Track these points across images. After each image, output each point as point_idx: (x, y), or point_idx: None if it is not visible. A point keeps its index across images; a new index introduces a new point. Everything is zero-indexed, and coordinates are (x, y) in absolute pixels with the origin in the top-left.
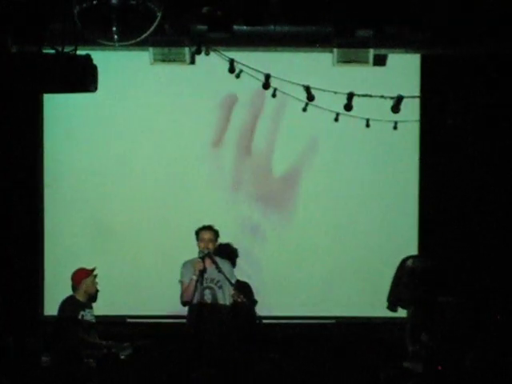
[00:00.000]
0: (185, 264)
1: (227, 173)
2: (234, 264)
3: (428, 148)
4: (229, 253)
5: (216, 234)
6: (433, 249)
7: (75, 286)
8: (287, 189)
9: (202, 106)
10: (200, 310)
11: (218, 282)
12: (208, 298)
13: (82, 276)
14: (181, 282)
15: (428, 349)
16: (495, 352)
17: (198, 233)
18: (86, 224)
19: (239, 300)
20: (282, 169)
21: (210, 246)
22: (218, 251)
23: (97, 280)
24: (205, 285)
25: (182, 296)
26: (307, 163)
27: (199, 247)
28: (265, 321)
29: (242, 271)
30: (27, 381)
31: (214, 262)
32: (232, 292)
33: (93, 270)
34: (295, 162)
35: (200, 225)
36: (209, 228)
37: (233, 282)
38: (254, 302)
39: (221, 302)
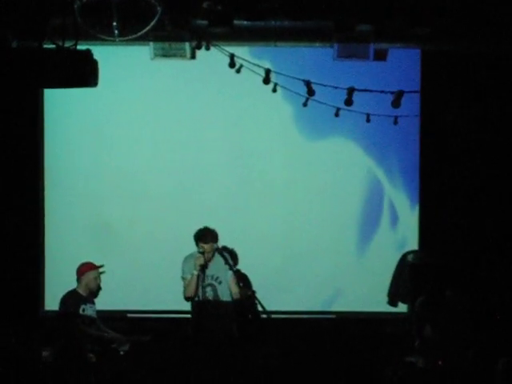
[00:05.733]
0: (186, 259)
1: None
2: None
3: (428, 143)
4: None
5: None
6: (433, 244)
7: (78, 278)
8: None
9: (202, 101)
10: (202, 307)
11: (217, 278)
12: (210, 295)
13: (86, 269)
14: (183, 278)
15: (430, 343)
16: (495, 348)
17: (198, 236)
18: (86, 221)
19: (247, 294)
20: None
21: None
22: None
23: (101, 277)
24: (206, 282)
25: (184, 292)
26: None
27: (202, 248)
28: (264, 316)
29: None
30: (28, 376)
31: (223, 256)
32: (231, 282)
33: (99, 266)
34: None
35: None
36: (207, 230)
37: (234, 269)
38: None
39: (223, 298)
